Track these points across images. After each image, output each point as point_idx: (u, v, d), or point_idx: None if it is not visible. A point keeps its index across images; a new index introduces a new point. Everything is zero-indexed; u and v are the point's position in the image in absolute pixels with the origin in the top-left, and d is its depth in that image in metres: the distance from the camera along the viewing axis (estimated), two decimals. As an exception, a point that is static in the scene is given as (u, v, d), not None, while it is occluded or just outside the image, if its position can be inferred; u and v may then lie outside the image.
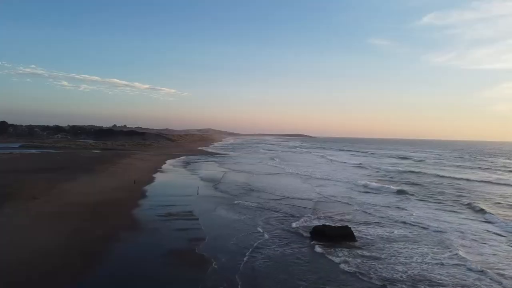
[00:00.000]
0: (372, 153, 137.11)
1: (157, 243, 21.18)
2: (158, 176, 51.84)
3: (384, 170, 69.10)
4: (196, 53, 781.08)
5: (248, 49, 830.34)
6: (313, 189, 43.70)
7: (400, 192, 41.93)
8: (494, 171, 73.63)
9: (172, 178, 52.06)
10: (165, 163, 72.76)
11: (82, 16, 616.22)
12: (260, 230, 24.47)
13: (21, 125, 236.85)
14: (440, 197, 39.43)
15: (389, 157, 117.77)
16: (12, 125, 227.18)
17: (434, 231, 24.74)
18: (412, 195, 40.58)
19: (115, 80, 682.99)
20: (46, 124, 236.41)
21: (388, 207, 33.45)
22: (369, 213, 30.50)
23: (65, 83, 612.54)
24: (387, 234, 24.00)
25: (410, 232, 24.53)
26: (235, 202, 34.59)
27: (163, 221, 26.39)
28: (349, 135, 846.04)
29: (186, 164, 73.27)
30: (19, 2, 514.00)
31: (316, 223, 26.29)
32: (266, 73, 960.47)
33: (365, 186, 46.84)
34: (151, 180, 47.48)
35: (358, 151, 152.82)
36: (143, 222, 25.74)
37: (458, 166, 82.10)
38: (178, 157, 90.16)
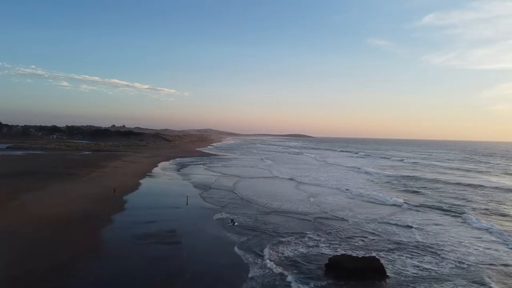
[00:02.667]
0: (370, 154, 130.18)
1: (117, 285, 15.64)
2: (145, 182, 46.28)
3: (384, 176, 61.83)
4: (197, 54, 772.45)
5: (248, 49, 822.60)
6: (308, 200, 37.63)
7: (412, 204, 35.62)
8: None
9: (161, 184, 46.54)
10: (156, 166, 67.29)
11: (82, 17, 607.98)
12: (255, 263, 18.78)
13: (17, 126, 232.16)
14: (459, 210, 32.99)
15: (388, 158, 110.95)
16: (6, 125, 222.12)
17: (483, 266, 19.19)
18: (430, 208, 34.33)
19: (115, 80, 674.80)
20: (45, 125, 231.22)
21: (408, 227, 26.72)
22: (385, 236, 24.23)
23: (65, 83, 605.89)
24: (423, 268, 18.40)
25: (455, 266, 18.80)
26: (225, 217, 28.98)
27: (137, 246, 20.88)
28: (348, 135, 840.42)
29: (180, 167, 67.73)
30: (19, 2, 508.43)
31: (326, 250, 20.72)
32: (265, 73, 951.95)
33: (367, 196, 40.41)
34: (135, 187, 41.93)
35: (355, 152, 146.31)
36: (109, 248, 20.22)
37: (469, 170, 74.71)
38: (173, 159, 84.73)
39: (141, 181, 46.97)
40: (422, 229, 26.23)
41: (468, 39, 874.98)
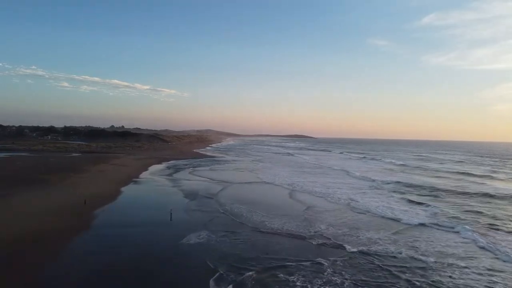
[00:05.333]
0: (368, 156, 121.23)
1: None
2: (128, 190, 40.48)
3: (387, 182, 53.64)
4: (197, 54, 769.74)
5: (249, 50, 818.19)
6: (307, 214, 31.00)
7: (440, 224, 28.33)
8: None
9: (145, 192, 40.67)
10: (146, 170, 61.50)
11: (83, 17, 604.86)
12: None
13: (13, 126, 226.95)
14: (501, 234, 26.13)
15: (389, 161, 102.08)
16: (0, 125, 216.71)
17: None
18: (467, 229, 26.83)
19: (116, 81, 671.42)
20: (45, 126, 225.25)
21: (457, 264, 19.63)
22: (432, 277, 17.66)
23: (66, 84, 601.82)
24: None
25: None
26: (209, 238, 23.29)
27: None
28: (349, 135, 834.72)
29: (171, 171, 61.90)
30: (20, 2, 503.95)
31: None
32: (266, 74, 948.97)
33: (377, 210, 33.39)
34: (114, 196, 36.11)
35: (355, 154, 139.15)
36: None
37: (484, 176, 67.42)
38: (166, 162, 78.95)
39: (123, 188, 41.16)
40: (471, 264, 19.98)
41: (468, 39, 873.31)
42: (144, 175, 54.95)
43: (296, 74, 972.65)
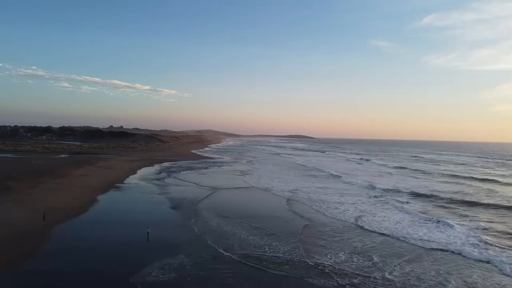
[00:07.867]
0: (370, 158, 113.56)
1: None
2: (105, 199, 34.63)
3: (388, 190, 47.10)
4: (198, 54, 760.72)
5: (250, 50, 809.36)
6: (302, 235, 24.99)
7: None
8: None
9: (125, 202, 34.82)
10: (134, 173, 55.71)
11: (83, 17, 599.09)
12: None
13: (8, 126, 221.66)
14: None
15: (387, 164, 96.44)
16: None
17: None
18: None
19: (116, 81, 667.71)
20: (43, 126, 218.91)
21: None
22: None
23: (66, 84, 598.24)
24: None
25: None
26: (185, 272, 17.47)
27: None
28: (349, 136, 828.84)
29: (163, 174, 56.01)
30: (20, 2, 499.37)
31: None
32: (266, 74, 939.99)
33: (392, 228, 27.19)
34: (86, 207, 30.20)
35: (352, 154, 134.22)
36: None
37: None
38: (159, 163, 73.14)
39: (100, 196, 35.29)
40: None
41: (469, 40, 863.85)
42: (130, 179, 49.04)
43: (296, 74, 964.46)
